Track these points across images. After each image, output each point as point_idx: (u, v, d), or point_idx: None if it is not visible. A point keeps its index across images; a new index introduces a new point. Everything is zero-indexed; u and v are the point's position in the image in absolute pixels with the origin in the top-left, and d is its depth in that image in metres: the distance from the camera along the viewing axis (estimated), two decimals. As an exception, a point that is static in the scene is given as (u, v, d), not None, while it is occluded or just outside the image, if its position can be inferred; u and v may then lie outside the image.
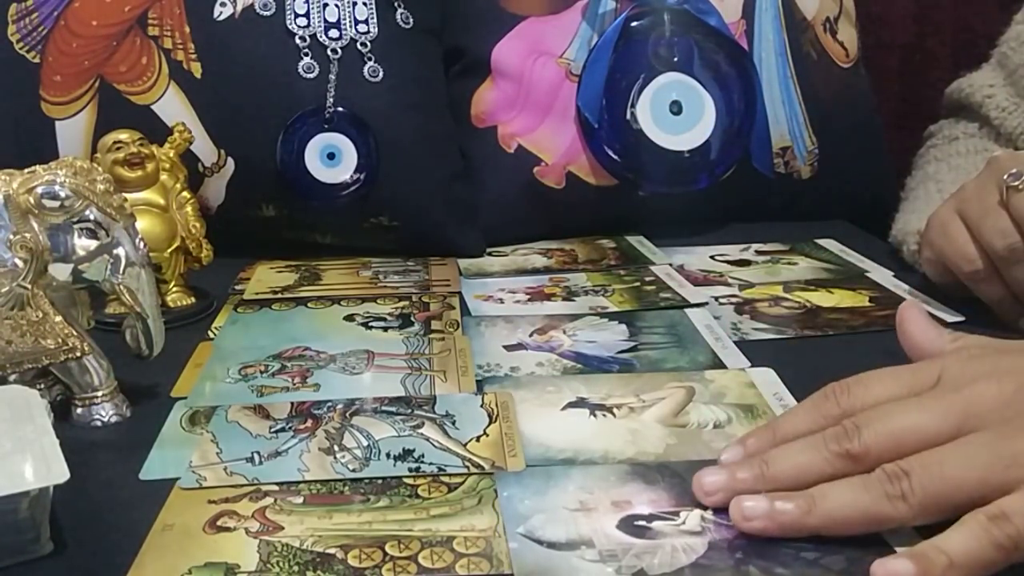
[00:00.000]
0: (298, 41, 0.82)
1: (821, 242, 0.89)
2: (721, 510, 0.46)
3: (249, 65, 0.82)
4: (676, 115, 0.88)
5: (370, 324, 0.70)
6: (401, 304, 0.74)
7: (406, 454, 0.52)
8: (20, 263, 0.53)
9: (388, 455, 0.52)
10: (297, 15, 0.82)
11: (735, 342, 0.66)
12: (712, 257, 0.86)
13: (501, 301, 0.75)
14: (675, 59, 0.88)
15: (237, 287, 0.79)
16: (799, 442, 0.46)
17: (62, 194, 0.53)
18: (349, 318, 0.72)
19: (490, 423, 0.55)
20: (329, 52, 0.82)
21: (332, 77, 0.82)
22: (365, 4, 0.84)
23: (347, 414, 0.56)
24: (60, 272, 0.55)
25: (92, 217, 0.54)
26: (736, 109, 0.89)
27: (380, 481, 0.49)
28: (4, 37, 0.82)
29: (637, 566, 0.42)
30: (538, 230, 0.91)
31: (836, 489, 0.43)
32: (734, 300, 0.75)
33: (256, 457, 0.52)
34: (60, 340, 0.55)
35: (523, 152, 0.89)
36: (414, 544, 0.44)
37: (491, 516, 0.46)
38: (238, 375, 0.62)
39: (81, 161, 0.55)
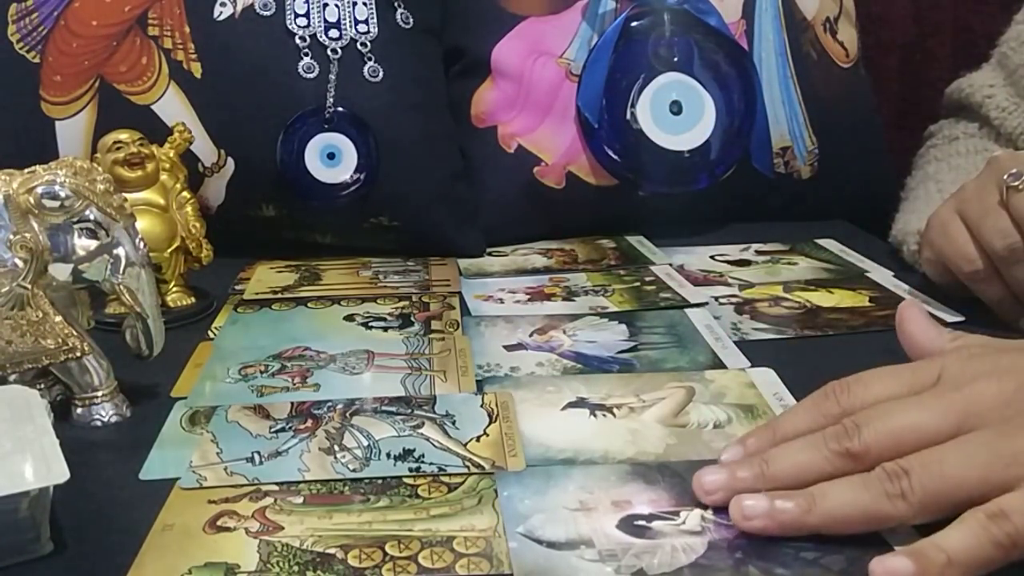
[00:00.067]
0: (298, 41, 0.82)
1: (821, 242, 0.89)
2: (721, 510, 0.46)
3: (249, 65, 0.82)
4: (676, 115, 0.88)
5: (370, 324, 0.70)
6: (401, 304, 0.74)
7: (406, 454, 0.52)
8: (20, 263, 0.53)
9: (388, 455, 0.52)
10: (297, 15, 0.82)
11: (735, 342, 0.66)
12: (712, 257, 0.86)
13: (501, 301, 0.75)
14: (675, 59, 0.88)
15: (237, 287, 0.79)
16: (799, 441, 0.46)
17: (62, 194, 0.53)
18: (349, 318, 0.72)
19: (490, 423, 0.55)
20: (329, 52, 0.82)
21: (332, 77, 0.82)
22: (365, 4, 0.84)
23: (347, 414, 0.56)
24: (60, 272, 0.55)
25: (92, 217, 0.54)
26: (736, 109, 0.89)
27: (380, 481, 0.49)
28: (4, 37, 0.82)
29: (637, 566, 0.42)
30: (538, 230, 0.91)
31: (836, 488, 0.43)
32: (734, 300, 0.75)
33: (256, 457, 0.52)
34: (60, 340, 0.55)
35: (523, 152, 0.89)
36: (414, 544, 0.44)
37: (491, 516, 0.46)
38: (238, 375, 0.62)
39: (81, 161, 0.55)
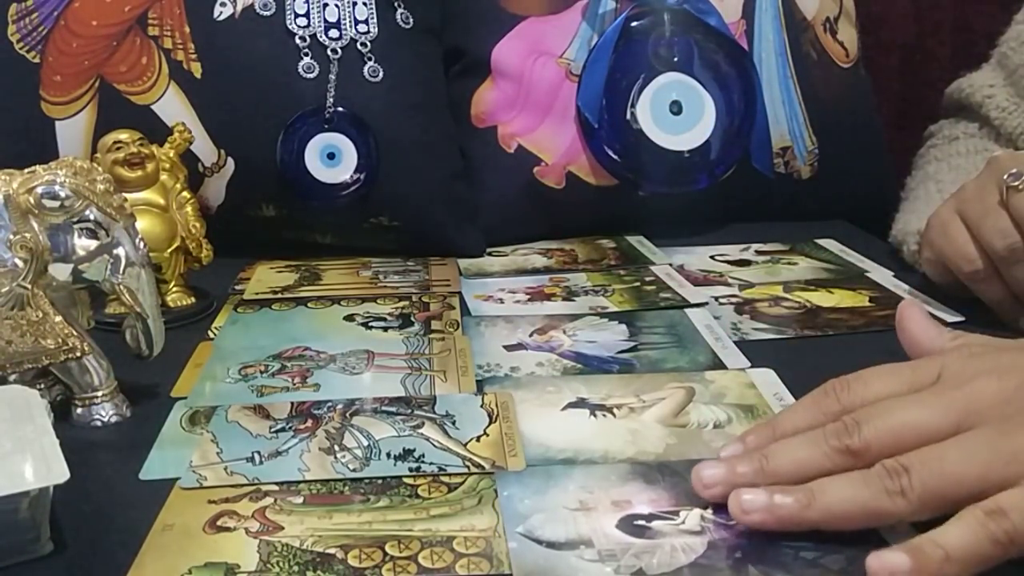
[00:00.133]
0: (298, 41, 0.82)
1: (821, 242, 0.89)
2: (721, 510, 0.46)
3: (249, 65, 0.82)
4: (676, 115, 0.88)
5: (370, 324, 0.70)
6: (401, 304, 0.74)
7: (406, 454, 0.52)
8: (20, 263, 0.53)
9: (388, 455, 0.52)
10: (297, 15, 0.82)
11: (735, 342, 0.66)
12: (712, 257, 0.86)
13: (501, 301, 0.75)
14: (675, 59, 0.88)
15: (237, 287, 0.79)
16: (799, 437, 0.46)
17: (62, 194, 0.53)
18: (349, 318, 0.72)
19: (490, 423, 0.55)
20: (329, 52, 0.82)
21: (332, 77, 0.82)
22: (365, 4, 0.84)
23: (347, 414, 0.56)
24: (60, 272, 0.55)
25: (92, 217, 0.54)
26: (736, 109, 0.89)
27: (380, 481, 0.49)
28: (4, 37, 0.82)
29: (636, 566, 0.42)
30: (538, 230, 0.91)
31: (836, 484, 0.43)
32: (734, 300, 0.75)
33: (256, 457, 0.52)
34: (60, 340, 0.55)
35: (523, 152, 0.89)
36: (414, 544, 0.44)
37: (491, 516, 0.46)
38: (238, 375, 0.62)
39: (81, 161, 0.55)
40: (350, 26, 0.83)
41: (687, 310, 0.72)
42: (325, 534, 0.45)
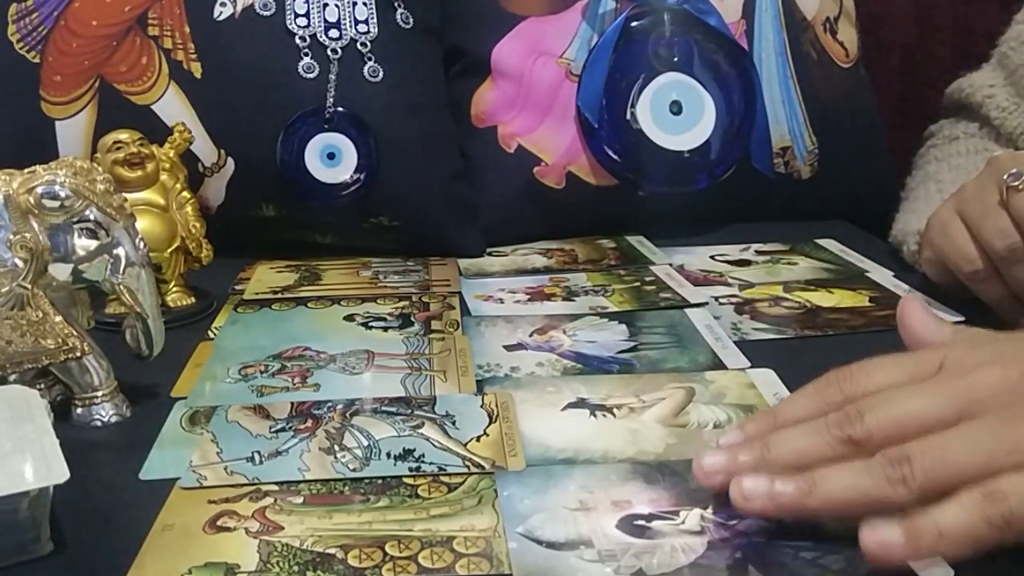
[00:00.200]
0: (298, 41, 0.82)
1: (821, 242, 0.89)
2: (721, 510, 0.46)
3: (249, 65, 0.82)
4: (676, 115, 0.88)
5: (370, 324, 0.70)
6: (401, 304, 0.74)
7: (406, 454, 0.52)
8: (20, 263, 0.53)
9: (388, 455, 0.52)
10: (297, 15, 0.82)
11: (735, 342, 0.66)
12: (712, 257, 0.86)
13: (501, 301, 0.75)
14: (675, 59, 0.88)
15: (237, 287, 0.79)
16: (801, 426, 0.46)
17: (62, 194, 0.53)
18: (349, 318, 0.72)
19: (490, 423, 0.55)
20: (329, 52, 0.82)
21: (332, 77, 0.82)
22: (365, 4, 0.84)
23: (347, 414, 0.56)
24: (60, 272, 0.55)
25: (92, 217, 0.54)
26: (736, 109, 0.89)
27: (380, 481, 0.49)
28: (4, 37, 0.82)
29: (636, 566, 0.42)
30: (538, 230, 0.91)
31: (837, 472, 0.43)
32: (734, 300, 0.75)
33: (256, 457, 0.52)
34: (60, 340, 0.55)
35: (523, 152, 0.89)
36: (414, 544, 0.44)
37: (491, 516, 0.46)
38: (238, 375, 0.62)
39: (81, 161, 0.55)
40: (350, 26, 0.83)
41: (687, 310, 0.72)
42: (325, 534, 0.45)
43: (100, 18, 0.82)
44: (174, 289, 0.73)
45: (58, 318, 0.55)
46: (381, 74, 0.83)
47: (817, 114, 0.94)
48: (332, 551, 0.44)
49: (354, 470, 0.50)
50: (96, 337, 0.58)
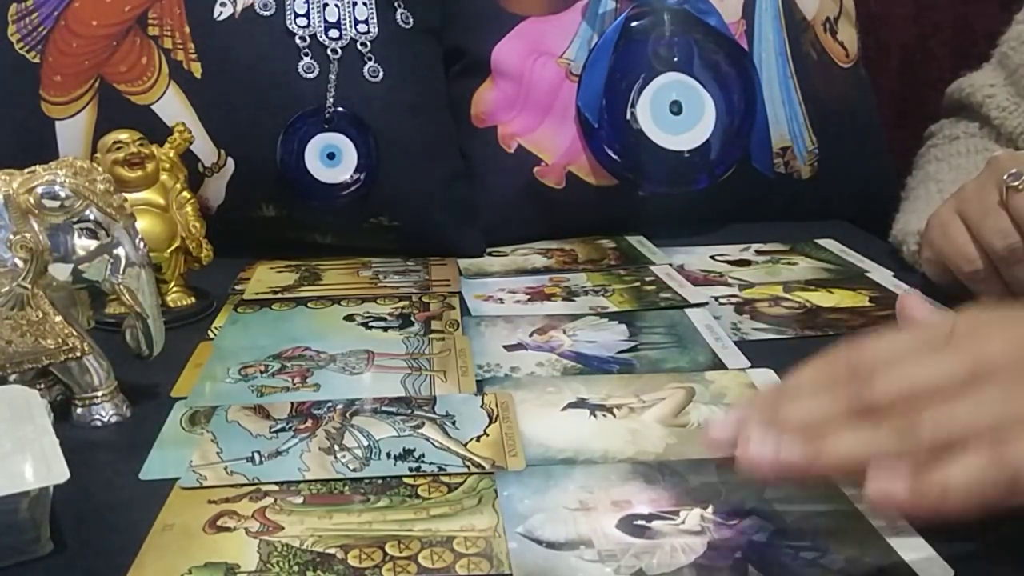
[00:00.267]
0: (298, 41, 0.82)
1: (821, 242, 0.89)
2: (721, 510, 0.46)
3: (249, 65, 0.82)
4: (676, 115, 0.88)
5: (370, 324, 0.70)
6: (401, 304, 0.74)
7: (406, 454, 0.52)
8: (20, 263, 0.53)
9: (388, 455, 0.52)
10: (297, 15, 0.82)
11: (735, 342, 0.66)
12: (712, 257, 0.86)
13: (501, 301, 0.75)
14: (675, 59, 0.88)
15: (237, 287, 0.79)
16: (810, 392, 0.45)
17: (62, 194, 0.53)
18: (349, 318, 0.72)
19: (490, 423, 0.55)
20: (329, 52, 0.82)
21: (332, 77, 0.82)
22: (365, 4, 0.84)
23: (347, 414, 0.56)
24: (60, 272, 0.55)
25: (92, 217, 0.54)
26: (736, 109, 0.89)
27: (380, 481, 0.49)
28: (4, 37, 0.82)
29: (636, 566, 0.42)
30: (538, 230, 0.91)
31: (845, 436, 0.42)
32: (734, 300, 0.75)
33: (256, 457, 0.52)
34: (60, 340, 0.55)
35: (523, 152, 0.89)
36: (414, 544, 0.44)
37: (491, 516, 0.46)
38: (238, 375, 0.62)
39: (81, 161, 0.55)
40: (350, 26, 0.83)
41: (687, 310, 0.72)
42: (325, 534, 0.45)
43: (100, 18, 0.82)
44: (174, 289, 0.73)
45: (58, 318, 0.55)
46: (381, 74, 0.84)
47: (817, 114, 0.94)
48: (332, 551, 0.44)
49: (354, 470, 0.50)
50: (96, 337, 0.58)
